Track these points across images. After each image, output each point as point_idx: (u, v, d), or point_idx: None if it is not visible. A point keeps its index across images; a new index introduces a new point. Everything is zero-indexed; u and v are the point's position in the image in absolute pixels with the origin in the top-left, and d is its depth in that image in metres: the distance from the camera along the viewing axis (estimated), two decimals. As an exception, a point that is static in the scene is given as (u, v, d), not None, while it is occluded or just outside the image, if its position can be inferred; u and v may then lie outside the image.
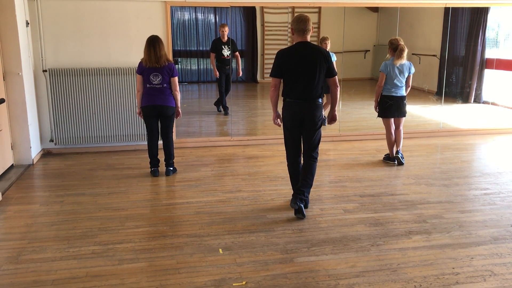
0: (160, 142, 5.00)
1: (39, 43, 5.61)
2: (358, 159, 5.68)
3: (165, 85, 4.76)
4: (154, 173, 4.98)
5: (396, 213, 3.97)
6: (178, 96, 4.89)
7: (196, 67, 11.96)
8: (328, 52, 3.92)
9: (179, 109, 4.96)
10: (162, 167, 5.08)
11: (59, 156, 5.83)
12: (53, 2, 5.58)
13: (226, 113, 8.06)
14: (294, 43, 3.88)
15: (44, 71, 5.69)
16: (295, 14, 10.83)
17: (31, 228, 3.69)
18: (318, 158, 3.98)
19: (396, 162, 5.40)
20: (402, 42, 5.14)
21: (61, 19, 5.64)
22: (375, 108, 5.41)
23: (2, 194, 4.39)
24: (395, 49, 5.12)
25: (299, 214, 3.86)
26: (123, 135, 5.97)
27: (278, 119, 4.04)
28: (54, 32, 5.65)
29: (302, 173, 3.94)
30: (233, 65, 8.27)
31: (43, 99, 5.79)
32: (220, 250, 3.29)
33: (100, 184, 4.74)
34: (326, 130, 7.15)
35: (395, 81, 5.19)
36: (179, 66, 11.62)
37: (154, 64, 4.66)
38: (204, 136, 6.99)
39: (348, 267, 3.07)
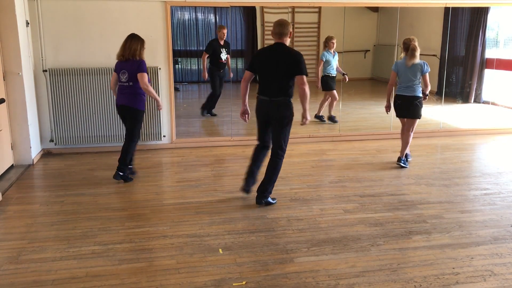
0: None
1: (39, 43, 5.61)
2: (358, 159, 5.68)
3: (131, 83, 4.54)
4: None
5: (396, 213, 3.97)
6: (151, 91, 4.58)
7: (196, 67, 11.94)
8: (300, 55, 3.90)
9: (160, 102, 4.82)
10: (161, 169, 5.08)
11: (59, 156, 5.82)
12: (53, 2, 5.59)
13: (203, 114, 8.01)
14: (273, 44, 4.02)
15: (44, 71, 5.69)
16: (295, 14, 10.92)
17: (31, 228, 3.69)
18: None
19: (402, 165, 5.30)
20: (414, 42, 5.02)
21: (61, 19, 5.64)
22: (386, 108, 5.37)
23: (2, 194, 4.39)
24: (407, 49, 5.02)
25: (246, 192, 4.24)
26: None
27: (246, 115, 4.23)
28: (54, 32, 5.65)
29: (267, 169, 4.15)
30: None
31: (43, 99, 5.79)
32: (220, 250, 3.29)
33: (100, 184, 4.74)
34: (326, 130, 7.16)
35: (405, 80, 5.11)
36: (179, 66, 11.60)
37: (120, 57, 4.58)
38: (204, 136, 6.99)
39: (348, 267, 3.07)
